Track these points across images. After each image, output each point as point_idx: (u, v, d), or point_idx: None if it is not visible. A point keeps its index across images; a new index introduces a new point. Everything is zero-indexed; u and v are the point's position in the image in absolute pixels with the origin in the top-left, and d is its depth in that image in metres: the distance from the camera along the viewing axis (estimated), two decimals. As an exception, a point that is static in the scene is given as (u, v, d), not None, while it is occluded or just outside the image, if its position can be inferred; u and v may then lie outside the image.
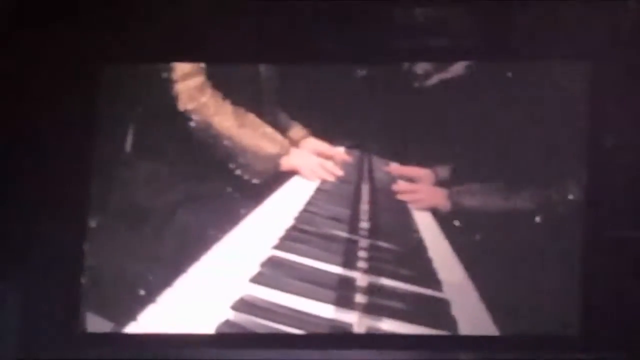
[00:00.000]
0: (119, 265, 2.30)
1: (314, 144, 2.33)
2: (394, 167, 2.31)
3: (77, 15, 2.32)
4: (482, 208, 2.26)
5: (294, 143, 2.34)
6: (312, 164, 2.33)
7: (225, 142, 2.33)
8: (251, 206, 2.31)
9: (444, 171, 2.29)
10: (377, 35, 2.30)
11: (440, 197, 2.27)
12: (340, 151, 2.33)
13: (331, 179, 2.33)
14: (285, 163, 2.34)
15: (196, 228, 2.29)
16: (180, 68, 2.35)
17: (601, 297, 2.19)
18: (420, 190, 2.29)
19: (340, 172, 2.33)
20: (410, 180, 2.30)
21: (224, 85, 2.36)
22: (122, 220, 2.33)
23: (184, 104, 2.34)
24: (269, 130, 2.34)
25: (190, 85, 2.34)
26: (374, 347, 2.23)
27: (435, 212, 2.28)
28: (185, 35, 2.31)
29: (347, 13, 2.30)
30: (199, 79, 2.35)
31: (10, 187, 2.30)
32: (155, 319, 2.26)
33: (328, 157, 2.33)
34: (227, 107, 2.35)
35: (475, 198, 2.26)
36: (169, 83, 2.35)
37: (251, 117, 2.35)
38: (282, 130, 2.34)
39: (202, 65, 2.36)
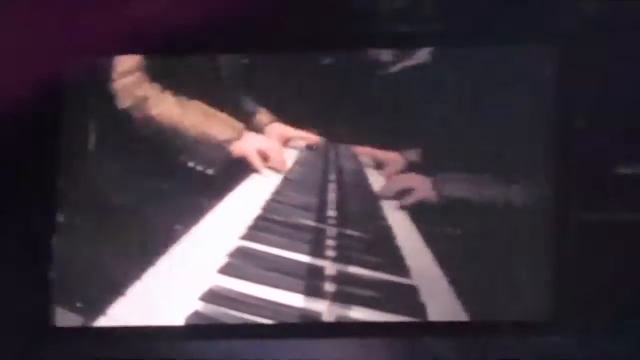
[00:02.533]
0: (87, 260, 2.29)
1: (279, 129, 2.32)
2: (363, 150, 2.30)
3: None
4: (458, 198, 2.25)
5: (259, 129, 2.32)
6: (264, 150, 2.31)
7: (172, 135, 2.32)
8: (213, 197, 2.30)
9: (413, 155, 2.28)
10: (341, 23, 2.29)
11: (422, 184, 2.27)
12: (308, 135, 2.31)
13: (282, 167, 2.32)
14: (237, 149, 2.32)
15: (163, 221, 2.28)
16: (121, 65, 2.33)
17: (572, 282, 2.20)
18: (414, 186, 2.28)
19: (287, 162, 2.32)
20: (380, 163, 2.29)
21: (164, 77, 2.34)
22: (91, 215, 2.31)
23: (123, 102, 2.33)
24: (220, 116, 2.32)
25: (128, 81, 2.32)
26: (344, 336, 2.23)
27: (405, 198, 2.27)
28: (146, 27, 2.30)
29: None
30: (136, 74, 2.33)
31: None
32: (125, 312, 2.25)
33: (295, 141, 2.32)
34: (168, 97, 2.34)
35: (453, 188, 2.26)
36: (111, 81, 2.34)
37: (197, 105, 2.32)
38: (247, 116, 2.33)
39: (141, 59, 2.34)
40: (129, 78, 2.31)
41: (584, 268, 2.19)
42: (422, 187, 2.27)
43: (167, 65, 2.35)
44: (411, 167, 2.28)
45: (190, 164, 2.31)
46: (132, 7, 2.20)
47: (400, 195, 2.28)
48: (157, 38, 2.21)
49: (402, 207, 2.26)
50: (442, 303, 2.22)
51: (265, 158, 2.32)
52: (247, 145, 2.31)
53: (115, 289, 2.26)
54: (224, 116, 2.31)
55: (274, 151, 2.32)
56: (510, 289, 2.21)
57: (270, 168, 2.33)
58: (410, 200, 2.27)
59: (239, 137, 2.31)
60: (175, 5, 2.24)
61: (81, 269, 2.29)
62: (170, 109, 2.32)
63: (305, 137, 2.31)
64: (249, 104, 2.32)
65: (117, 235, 2.30)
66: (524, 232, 2.23)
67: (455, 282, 2.21)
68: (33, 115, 2.29)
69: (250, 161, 2.32)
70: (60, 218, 2.31)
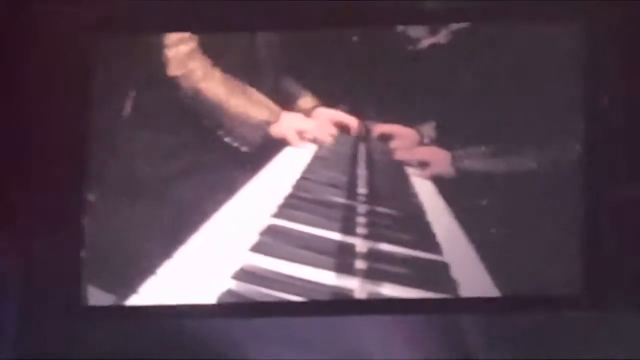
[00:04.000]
0: (118, 238, 2.29)
1: (326, 113, 2.32)
2: (378, 126, 2.30)
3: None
4: (483, 171, 2.25)
5: (305, 112, 2.32)
6: (303, 130, 2.32)
7: (214, 109, 2.32)
8: (246, 175, 2.30)
9: (428, 129, 2.28)
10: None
11: (440, 157, 2.26)
12: (336, 117, 2.32)
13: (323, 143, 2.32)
14: (275, 130, 2.33)
15: (194, 198, 2.29)
16: (172, 35, 2.34)
17: (603, 255, 2.20)
18: (418, 150, 2.28)
19: (334, 136, 2.32)
20: (392, 137, 2.29)
21: (215, 52, 2.35)
22: (121, 193, 2.31)
23: (172, 70, 2.33)
24: (259, 97, 2.32)
25: (180, 51, 2.33)
26: (376, 312, 2.24)
27: (439, 179, 2.27)
28: (177, 5, 2.30)
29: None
30: (190, 45, 2.33)
31: (8, 160, 2.29)
32: (157, 290, 2.26)
33: (343, 126, 2.32)
34: (216, 74, 2.34)
35: (477, 161, 2.26)
36: (160, 49, 2.34)
37: (240, 85, 2.33)
38: (292, 98, 2.33)
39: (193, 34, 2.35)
40: (181, 48, 2.32)
41: (615, 242, 2.20)
42: (439, 160, 2.27)
43: (217, 41, 2.35)
44: (437, 142, 2.28)
45: (227, 139, 2.31)
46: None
47: (418, 167, 2.29)
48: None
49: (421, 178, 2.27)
50: (473, 278, 2.23)
51: (302, 137, 2.32)
52: (286, 124, 2.32)
53: (146, 267, 2.27)
54: (263, 98, 2.32)
55: (312, 129, 2.32)
56: (542, 263, 2.21)
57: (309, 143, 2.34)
58: (425, 173, 2.28)
59: (276, 119, 2.32)
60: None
61: (113, 247, 2.29)
62: (216, 85, 2.32)
63: (349, 121, 2.31)
64: (291, 86, 2.32)
65: (149, 213, 2.30)
66: (555, 207, 2.23)
67: (486, 257, 2.22)
68: (63, 91, 2.30)
69: (287, 139, 2.32)
70: (91, 196, 2.31)
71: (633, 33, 2.22)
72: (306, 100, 2.32)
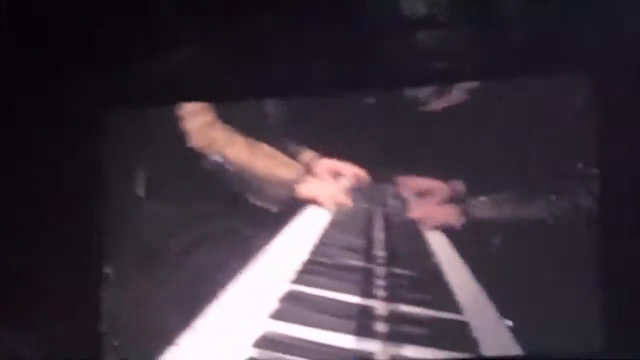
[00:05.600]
0: (137, 310, 2.29)
1: (326, 163, 2.33)
2: (407, 180, 2.31)
3: (79, 62, 2.32)
4: (495, 220, 2.26)
5: (307, 167, 2.34)
6: (329, 190, 2.32)
7: (241, 173, 2.33)
8: (267, 238, 2.31)
9: (458, 185, 2.29)
10: (380, 63, 2.31)
11: (452, 214, 2.28)
12: (353, 168, 2.33)
13: (348, 202, 2.33)
14: (303, 190, 2.34)
15: (212, 267, 2.29)
16: (188, 106, 2.35)
17: (623, 307, 2.20)
18: (435, 207, 2.29)
19: (351, 199, 2.33)
20: (424, 193, 2.30)
21: (232, 120, 2.37)
22: (138, 264, 2.32)
23: (195, 141, 2.35)
24: (282, 157, 2.34)
25: (199, 121, 2.34)
26: (399, 375, 2.24)
27: (450, 232, 2.28)
28: (188, 76, 2.31)
29: (349, 44, 2.31)
30: (208, 115, 2.35)
31: (25, 237, 2.29)
32: (177, 361, 2.26)
33: (343, 174, 2.33)
34: (239, 139, 2.36)
35: (489, 211, 2.27)
36: (177, 121, 2.36)
37: (263, 147, 2.35)
38: (293, 156, 2.34)
39: (209, 103, 2.37)
40: (199, 118, 2.33)
41: (634, 293, 2.20)
42: (455, 215, 2.28)
43: (235, 109, 2.39)
44: (454, 200, 2.29)
45: (256, 202, 2.33)
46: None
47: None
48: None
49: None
50: (494, 337, 2.22)
51: (329, 198, 2.34)
52: (314, 187, 2.34)
53: (166, 337, 2.26)
54: (284, 157, 2.34)
55: (330, 191, 2.34)
56: (562, 319, 2.21)
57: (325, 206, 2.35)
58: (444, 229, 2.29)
59: (303, 179, 2.33)
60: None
61: (131, 319, 2.29)
62: (240, 149, 2.34)
63: (352, 170, 2.32)
64: (293, 147, 2.33)
65: (166, 283, 2.29)
66: (572, 261, 2.23)
67: (506, 315, 2.22)
68: (75, 167, 2.31)
69: (314, 199, 2.34)
70: (108, 269, 2.31)
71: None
72: (307, 155, 2.34)
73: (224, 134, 2.35)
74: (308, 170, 2.34)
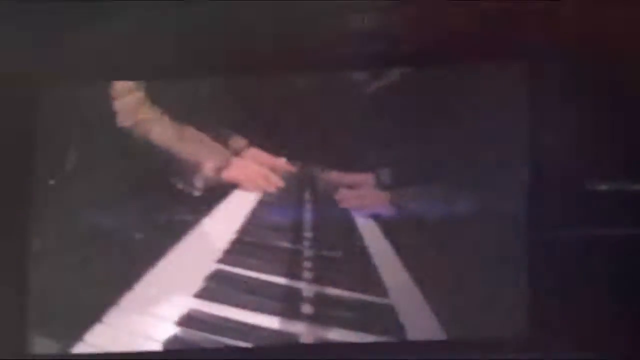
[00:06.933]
0: (64, 286, 2.28)
1: (255, 154, 2.32)
2: (335, 175, 2.30)
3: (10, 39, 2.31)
4: (425, 211, 2.26)
5: (236, 154, 2.33)
6: (252, 175, 2.32)
7: (165, 156, 2.32)
8: (195, 220, 2.30)
9: (384, 174, 2.29)
10: (314, 44, 2.29)
11: (383, 201, 2.27)
12: (282, 161, 2.32)
13: (272, 189, 2.32)
14: (226, 174, 2.33)
15: (139, 245, 2.28)
16: (119, 85, 2.34)
17: (548, 297, 2.21)
18: (363, 196, 2.29)
19: (281, 183, 2.32)
20: (351, 186, 2.30)
21: (162, 100, 2.35)
22: (66, 240, 2.30)
23: (122, 121, 2.33)
24: (209, 142, 2.33)
25: (128, 101, 2.33)
26: (322, 357, 2.24)
27: (379, 218, 2.28)
28: (120, 53, 2.30)
29: (284, 23, 2.29)
30: (137, 95, 2.34)
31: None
32: (103, 338, 2.24)
33: (270, 168, 2.32)
34: (166, 121, 2.34)
35: (418, 201, 2.27)
36: (107, 101, 2.34)
37: (190, 130, 2.33)
38: (223, 141, 2.33)
39: (140, 82, 2.35)
40: (129, 98, 2.32)
41: (560, 283, 2.21)
42: (380, 201, 2.28)
43: (163, 88, 2.36)
44: (382, 186, 2.29)
45: (180, 185, 2.31)
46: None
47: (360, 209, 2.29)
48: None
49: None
50: (419, 322, 2.23)
51: (251, 182, 2.33)
52: (236, 169, 2.32)
53: (92, 315, 2.25)
54: (210, 142, 2.33)
55: (259, 174, 2.32)
56: (487, 305, 2.22)
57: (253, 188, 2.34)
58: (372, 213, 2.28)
59: (227, 164, 2.32)
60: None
61: (58, 295, 2.28)
62: (166, 132, 2.33)
63: (281, 165, 2.32)
64: (223, 131, 2.32)
65: (93, 260, 2.28)
66: (499, 248, 2.24)
67: (432, 300, 2.22)
68: (8, 140, 2.30)
69: (237, 184, 2.32)
70: (36, 244, 2.30)
71: (575, 73, 2.24)
72: (251, 148, 2.32)
73: (151, 116, 2.34)
74: (237, 156, 2.32)
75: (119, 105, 2.33)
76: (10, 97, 2.29)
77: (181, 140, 2.33)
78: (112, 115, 2.34)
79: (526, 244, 2.23)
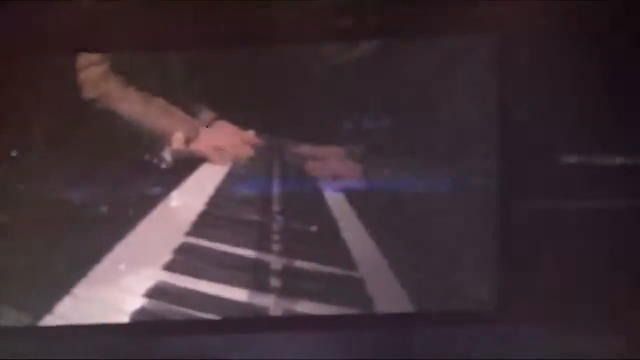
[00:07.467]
0: (32, 258, 2.27)
1: (224, 126, 2.31)
2: (304, 148, 2.30)
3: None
4: (394, 184, 2.26)
5: (205, 126, 2.31)
6: (221, 145, 2.31)
7: (132, 128, 2.31)
8: (163, 192, 2.29)
9: (354, 147, 2.28)
10: (284, 17, 2.28)
11: (352, 173, 2.27)
12: (250, 134, 2.31)
13: (240, 161, 2.31)
14: (195, 145, 2.32)
15: (108, 217, 2.28)
16: (84, 57, 2.32)
17: (516, 271, 2.22)
18: (332, 167, 2.28)
19: (250, 154, 2.31)
20: (321, 159, 2.29)
21: (129, 73, 2.32)
22: (34, 212, 2.30)
23: (87, 93, 2.32)
24: (177, 113, 2.32)
25: (93, 73, 2.31)
26: (291, 329, 2.25)
27: (347, 191, 2.28)
28: (87, 25, 2.28)
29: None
30: (101, 67, 2.32)
31: None
32: (71, 310, 2.24)
33: (239, 140, 2.31)
34: (132, 93, 2.33)
35: (387, 174, 2.26)
36: (72, 72, 2.33)
37: (158, 102, 2.31)
38: (192, 114, 2.32)
39: (105, 54, 2.33)
40: (93, 70, 2.31)
41: (528, 257, 2.21)
42: (351, 173, 2.28)
43: (129, 60, 2.33)
44: (351, 159, 2.28)
45: (147, 157, 2.30)
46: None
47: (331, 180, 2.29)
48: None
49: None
50: (388, 295, 2.24)
51: (219, 154, 2.32)
52: (204, 141, 2.31)
53: (61, 287, 2.25)
54: (179, 113, 2.31)
55: (228, 146, 2.31)
56: (455, 279, 2.23)
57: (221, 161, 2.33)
58: (338, 186, 2.28)
59: (195, 136, 2.31)
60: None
61: (26, 267, 2.27)
62: (132, 103, 2.31)
63: (249, 137, 2.31)
64: (192, 104, 2.31)
65: (62, 232, 2.28)
66: (469, 222, 2.24)
67: (400, 272, 2.23)
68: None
69: (205, 156, 2.32)
70: (3, 217, 2.29)
71: (546, 45, 2.23)
72: (218, 119, 2.31)
73: (116, 87, 2.32)
74: (205, 128, 2.31)
75: (83, 76, 2.31)
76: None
77: (149, 112, 2.31)
78: (76, 87, 2.32)
79: (494, 217, 2.24)
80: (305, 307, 2.24)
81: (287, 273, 2.26)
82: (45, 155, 2.29)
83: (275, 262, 2.26)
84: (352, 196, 2.27)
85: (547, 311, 2.18)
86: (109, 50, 2.29)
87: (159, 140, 2.31)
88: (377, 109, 2.27)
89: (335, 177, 2.27)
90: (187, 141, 2.31)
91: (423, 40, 2.28)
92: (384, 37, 2.29)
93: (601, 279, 2.16)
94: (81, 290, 2.25)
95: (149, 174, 2.30)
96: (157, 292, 2.24)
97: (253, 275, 2.26)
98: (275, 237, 2.28)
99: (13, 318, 2.27)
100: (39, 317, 2.25)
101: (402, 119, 2.27)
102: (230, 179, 2.31)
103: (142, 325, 2.25)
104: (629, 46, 2.20)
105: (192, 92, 2.31)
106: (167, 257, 2.26)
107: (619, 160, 2.25)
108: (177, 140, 2.30)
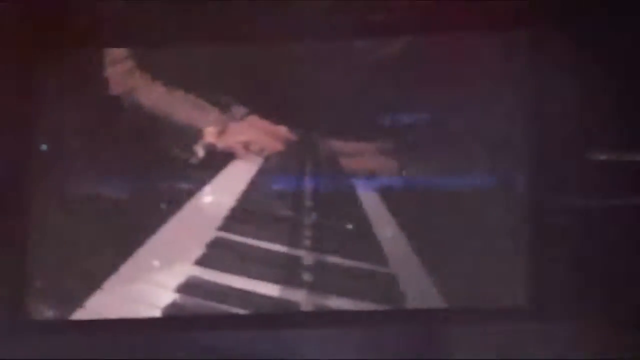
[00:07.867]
0: (64, 252, 2.28)
1: (255, 121, 2.31)
2: (337, 143, 2.29)
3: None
4: (426, 180, 2.26)
5: (236, 121, 2.31)
6: (253, 139, 2.31)
7: (160, 123, 2.31)
8: (195, 187, 2.30)
9: (387, 143, 2.28)
10: (316, 12, 2.28)
11: (384, 169, 2.27)
12: (283, 129, 2.31)
13: (273, 154, 2.31)
14: (227, 140, 2.31)
15: (140, 212, 2.28)
16: (110, 53, 2.33)
17: (549, 267, 2.20)
18: (364, 163, 2.28)
19: (282, 147, 2.31)
20: (353, 155, 2.29)
21: (155, 68, 2.33)
22: (66, 207, 2.30)
23: (113, 89, 2.32)
24: (209, 108, 2.32)
25: (119, 69, 2.31)
26: (322, 325, 2.24)
27: (380, 187, 2.27)
28: (115, 20, 2.28)
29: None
30: (128, 63, 2.32)
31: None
32: (102, 304, 2.24)
33: (271, 136, 2.31)
34: (159, 88, 2.33)
35: (420, 170, 2.26)
36: (100, 68, 2.33)
37: (185, 96, 2.32)
38: (223, 109, 2.32)
39: (132, 50, 2.33)
40: (118, 67, 2.31)
41: (561, 253, 2.20)
42: (386, 170, 2.27)
43: (154, 55, 2.34)
44: (384, 154, 2.28)
45: (176, 152, 2.30)
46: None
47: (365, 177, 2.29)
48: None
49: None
50: (419, 290, 2.23)
51: (249, 148, 2.32)
52: (232, 136, 2.31)
53: (92, 281, 2.25)
54: (207, 107, 2.31)
55: (259, 141, 2.31)
56: (488, 274, 2.22)
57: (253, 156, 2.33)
58: (373, 183, 2.28)
59: (224, 130, 2.31)
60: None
61: (57, 261, 2.28)
62: (159, 99, 2.31)
63: (281, 132, 2.31)
64: (224, 99, 2.31)
65: (94, 227, 2.28)
66: (501, 218, 2.23)
67: (432, 268, 2.22)
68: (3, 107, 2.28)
69: (234, 151, 2.31)
70: (36, 210, 2.29)
71: (579, 46, 2.23)
72: (251, 115, 2.31)
73: (143, 83, 2.32)
74: (236, 123, 2.31)
75: (110, 72, 2.31)
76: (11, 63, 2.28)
77: (176, 106, 2.31)
78: (103, 83, 2.32)
79: (527, 214, 2.23)
80: (336, 302, 2.24)
81: (318, 269, 2.25)
82: (77, 150, 2.30)
83: (307, 257, 2.25)
84: (385, 192, 2.27)
85: (580, 309, 2.17)
86: (136, 45, 2.30)
87: (191, 135, 2.31)
88: (411, 106, 2.28)
89: (369, 173, 2.27)
90: (219, 134, 2.31)
91: (457, 36, 2.28)
92: (417, 33, 2.30)
93: (635, 276, 2.15)
94: (112, 285, 2.25)
95: (181, 169, 2.30)
96: (189, 287, 2.24)
97: (285, 270, 2.25)
98: (307, 232, 2.27)
99: (43, 312, 2.27)
100: (70, 311, 2.25)
101: (436, 115, 2.27)
102: (262, 174, 2.31)
103: (173, 320, 2.24)
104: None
105: (224, 88, 2.32)
106: (199, 252, 2.26)
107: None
108: (210, 134, 2.30)
